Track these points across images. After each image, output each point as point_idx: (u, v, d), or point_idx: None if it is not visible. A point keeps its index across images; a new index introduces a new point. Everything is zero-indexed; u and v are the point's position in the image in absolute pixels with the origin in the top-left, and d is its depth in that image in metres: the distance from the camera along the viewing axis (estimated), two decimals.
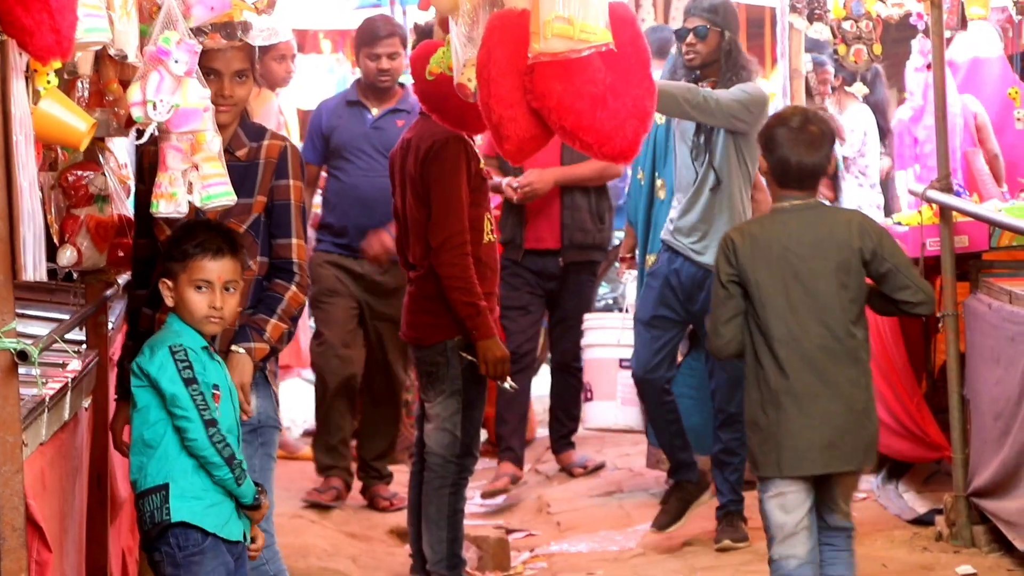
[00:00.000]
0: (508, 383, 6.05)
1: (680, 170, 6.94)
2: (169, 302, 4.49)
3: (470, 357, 6.00)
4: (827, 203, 5.45)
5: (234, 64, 4.85)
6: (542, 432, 9.19)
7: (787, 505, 5.05)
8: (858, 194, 9.58)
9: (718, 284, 5.11)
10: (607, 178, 8.16)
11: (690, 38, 6.81)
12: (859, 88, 9.19)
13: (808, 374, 5.01)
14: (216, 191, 4.56)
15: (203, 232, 4.51)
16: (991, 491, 6.45)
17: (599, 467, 8.44)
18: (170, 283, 4.47)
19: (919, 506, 7.26)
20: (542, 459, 8.86)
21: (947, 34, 7.17)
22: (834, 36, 8.42)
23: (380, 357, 7.84)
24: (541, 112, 4.79)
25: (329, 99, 8.42)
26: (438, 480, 6.13)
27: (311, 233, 7.74)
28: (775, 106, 9.26)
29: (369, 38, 7.84)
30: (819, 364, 5.02)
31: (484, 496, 7.94)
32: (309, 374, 10.25)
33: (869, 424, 5.11)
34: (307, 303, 4.93)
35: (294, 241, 4.95)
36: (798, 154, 5.07)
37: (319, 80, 11.72)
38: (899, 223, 7.58)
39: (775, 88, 9.72)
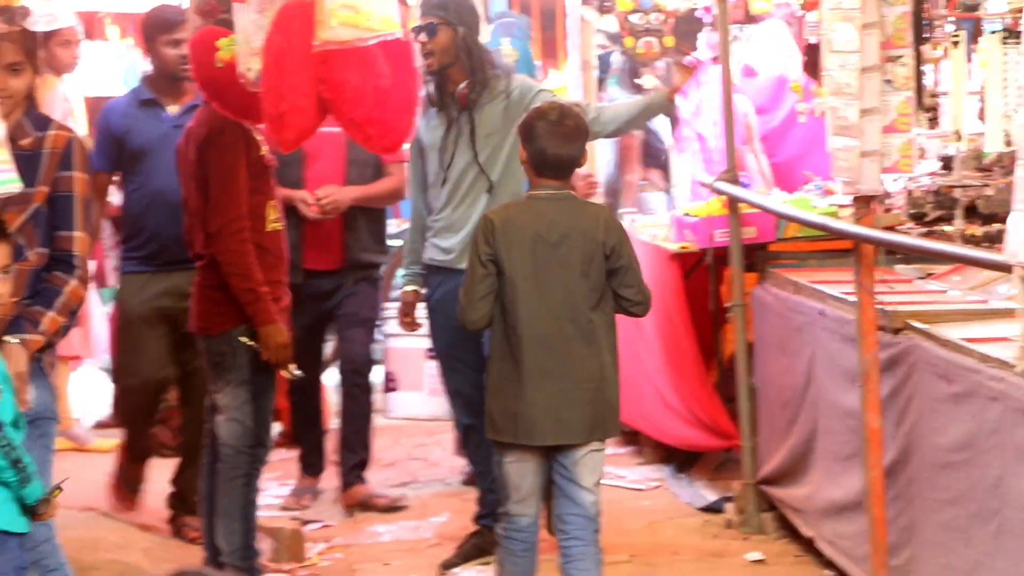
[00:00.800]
0: (292, 371, 5.97)
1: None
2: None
3: (251, 343, 5.92)
4: (576, 196, 5.62)
5: (6, 57, 4.75)
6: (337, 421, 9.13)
7: (522, 470, 5.42)
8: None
9: (476, 262, 5.38)
10: (399, 198, 7.91)
11: (421, 37, 6.42)
12: (648, 80, 9.29)
13: (544, 353, 5.34)
14: (2, 178, 4.47)
15: None
16: (779, 479, 6.57)
17: (398, 507, 7.72)
18: None
19: (710, 494, 7.37)
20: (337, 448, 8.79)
21: (735, 28, 7.26)
22: (621, 29, 8.50)
23: (199, 383, 6.96)
24: (332, 103, 4.75)
25: (116, 100, 7.69)
26: (231, 471, 6.06)
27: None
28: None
29: (167, 24, 7.38)
30: (555, 344, 5.34)
31: (284, 509, 7.79)
32: (99, 363, 10.06)
33: (601, 403, 5.39)
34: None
35: (76, 234, 4.84)
36: (555, 146, 5.38)
37: (107, 67, 11.48)
38: (687, 214, 7.67)
39: (567, 80, 9.80)
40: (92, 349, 9.25)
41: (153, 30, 7.17)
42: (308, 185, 7.41)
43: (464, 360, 6.47)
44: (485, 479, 6.55)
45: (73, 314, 4.84)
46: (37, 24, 4.81)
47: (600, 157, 9.06)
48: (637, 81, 9.33)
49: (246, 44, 5.12)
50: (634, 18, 8.41)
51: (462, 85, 6.43)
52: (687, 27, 9.16)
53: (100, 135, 7.28)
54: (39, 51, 4.96)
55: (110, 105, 7.49)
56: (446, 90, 6.48)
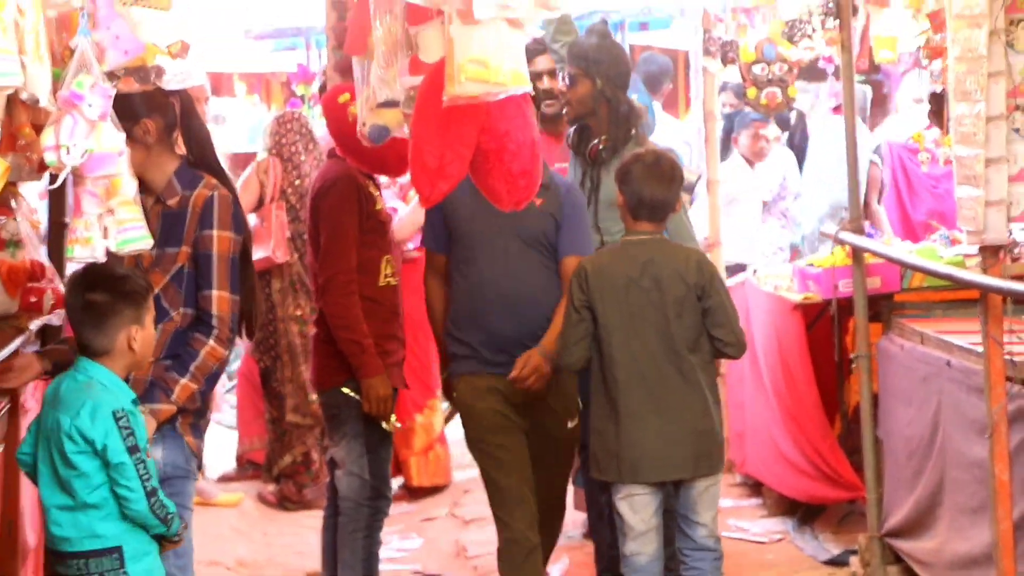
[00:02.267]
0: (391, 423, 6.04)
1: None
2: (135, 350, 4.51)
3: (354, 394, 5.99)
4: (669, 240, 5.73)
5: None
6: (459, 475, 9.16)
7: (635, 505, 5.59)
8: (779, 236, 9.68)
9: (571, 308, 5.63)
10: None
11: (561, 85, 6.70)
12: (772, 130, 9.29)
13: (642, 393, 5.55)
14: (131, 235, 4.53)
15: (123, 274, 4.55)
16: (905, 531, 6.50)
17: None
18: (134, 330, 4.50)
19: (834, 547, 7.31)
20: (459, 502, 8.82)
21: (859, 78, 7.24)
22: (744, 79, 8.50)
23: None
24: (496, 153, 4.74)
25: None
26: (351, 524, 6.11)
27: None
28: (686, 150, 9.36)
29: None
30: (653, 385, 5.55)
31: None
32: (223, 417, 10.20)
33: (704, 437, 5.59)
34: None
35: (215, 293, 4.90)
36: (651, 188, 5.60)
37: (233, 123, 11.68)
38: (811, 264, 7.65)
39: (690, 130, 9.82)
40: (216, 403, 9.35)
41: None
42: None
43: None
44: (601, 532, 6.57)
45: (212, 376, 4.91)
46: (171, 83, 4.89)
47: None
48: (762, 132, 9.34)
49: (367, 99, 5.16)
50: (756, 69, 8.40)
51: (595, 140, 6.50)
52: (810, 77, 9.15)
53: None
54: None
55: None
56: (587, 140, 6.56)
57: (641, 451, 5.53)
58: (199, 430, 5.01)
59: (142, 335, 4.54)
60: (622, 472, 5.56)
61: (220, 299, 4.90)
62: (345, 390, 5.99)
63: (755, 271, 8.36)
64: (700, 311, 5.56)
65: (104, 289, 4.51)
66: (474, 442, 6.07)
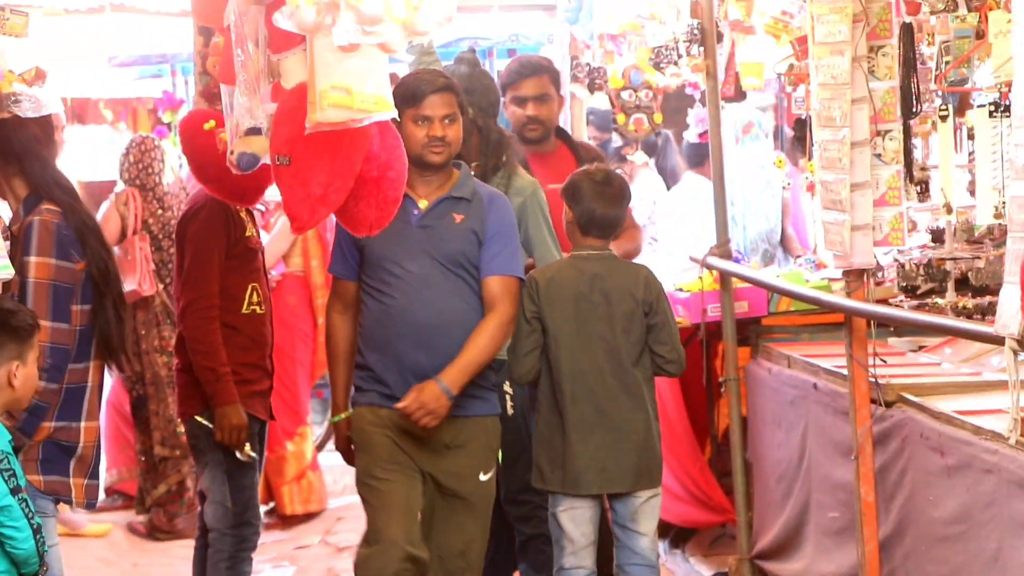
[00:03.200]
0: (244, 452, 5.89)
1: None
2: (15, 387, 4.43)
3: (208, 423, 5.87)
4: (617, 256, 5.71)
5: None
6: (333, 503, 9.10)
7: (576, 518, 5.57)
8: (650, 260, 9.71)
9: (522, 319, 5.55)
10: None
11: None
12: (639, 156, 9.33)
13: (588, 406, 5.54)
14: None
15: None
16: (774, 553, 6.55)
17: None
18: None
19: (705, 570, 7.34)
20: (332, 530, 8.76)
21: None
22: (613, 106, 8.55)
23: None
24: (375, 182, 4.71)
25: None
26: (216, 555, 6.02)
27: None
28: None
29: (412, 98, 5.43)
30: (599, 398, 5.54)
31: None
32: None
33: (645, 452, 5.60)
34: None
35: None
36: (603, 206, 5.60)
37: (97, 150, 11.52)
38: (680, 289, 7.69)
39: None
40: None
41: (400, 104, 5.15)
42: None
43: None
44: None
45: (34, 409, 4.81)
46: (27, 111, 4.81)
47: None
48: (629, 157, 9.38)
49: (235, 127, 5.12)
50: (625, 95, 8.45)
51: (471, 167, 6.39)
52: (677, 104, 9.22)
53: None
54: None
55: None
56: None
57: (585, 463, 5.52)
58: (52, 464, 4.92)
59: (23, 372, 4.46)
60: (565, 482, 5.54)
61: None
62: (199, 419, 5.90)
63: None
64: (645, 327, 5.57)
65: None
66: (363, 474, 5.45)
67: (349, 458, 5.61)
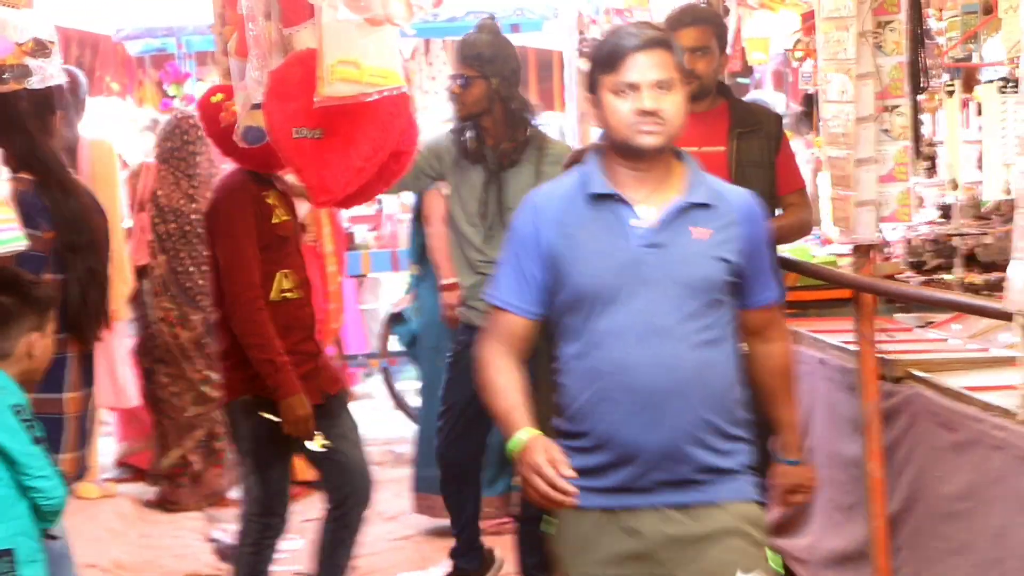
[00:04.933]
0: (317, 442, 5.70)
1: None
2: (33, 357, 4.43)
3: (273, 417, 5.67)
4: None
5: None
6: None
7: None
8: None
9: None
10: (806, 233, 6.46)
11: (454, 86, 6.41)
12: None
13: None
14: (6, 236, 4.46)
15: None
16: (781, 528, 6.54)
17: None
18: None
19: None
20: None
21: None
22: None
23: None
24: (405, 156, 4.72)
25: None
26: (243, 538, 5.99)
27: None
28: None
29: (611, 60, 4.00)
30: None
31: None
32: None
33: None
34: None
35: None
36: None
37: (104, 123, 11.53)
38: None
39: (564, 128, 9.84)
40: (125, 398, 9.13)
41: (596, 69, 4.06)
42: None
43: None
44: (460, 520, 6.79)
45: None
46: (32, 84, 4.81)
47: None
48: None
49: (246, 101, 5.10)
50: None
51: (504, 143, 6.37)
52: None
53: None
54: None
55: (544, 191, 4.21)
56: (484, 142, 6.42)
57: None
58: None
59: (42, 343, 4.46)
60: None
61: None
62: (266, 415, 5.67)
63: None
64: None
65: (11, 292, 4.42)
66: None
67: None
